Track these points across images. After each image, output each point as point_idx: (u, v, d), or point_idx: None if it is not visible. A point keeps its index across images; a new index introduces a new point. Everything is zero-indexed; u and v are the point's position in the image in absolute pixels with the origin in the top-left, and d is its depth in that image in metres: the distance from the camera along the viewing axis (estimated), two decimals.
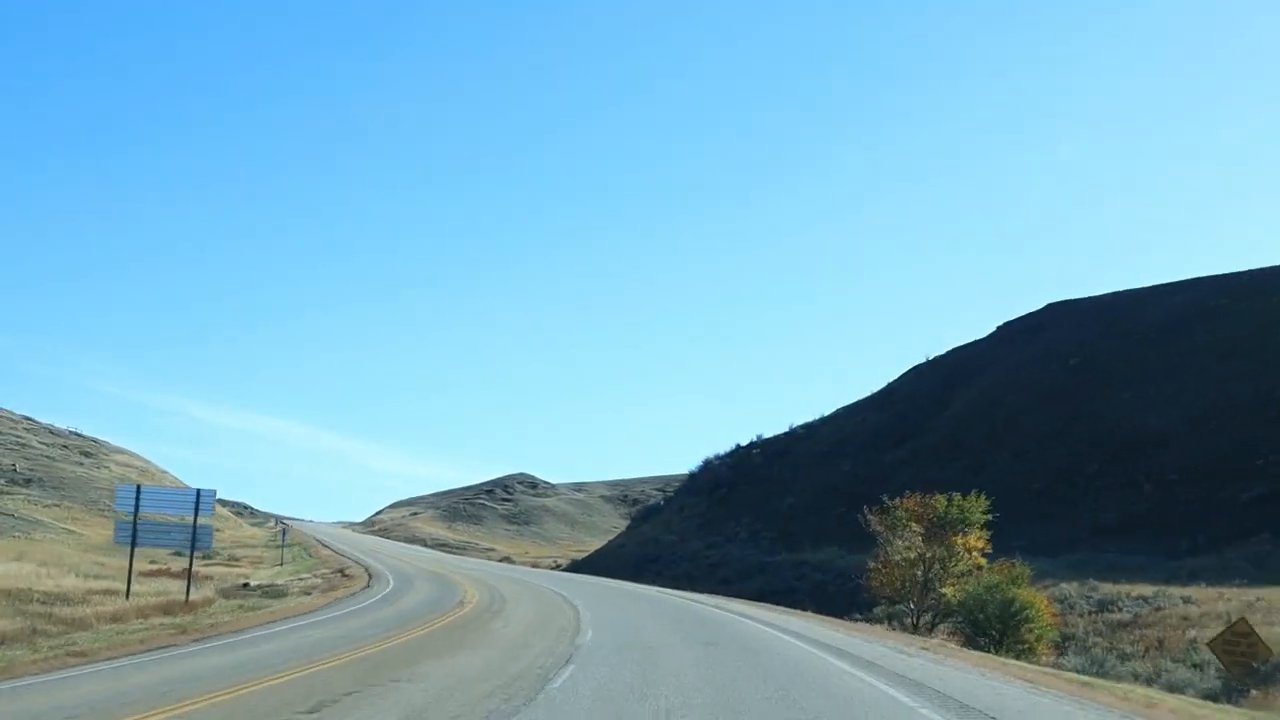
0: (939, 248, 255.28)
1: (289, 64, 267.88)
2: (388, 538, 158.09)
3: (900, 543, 30.72)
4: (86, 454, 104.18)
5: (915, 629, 29.56)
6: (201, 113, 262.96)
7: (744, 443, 71.91)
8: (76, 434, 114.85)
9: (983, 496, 30.27)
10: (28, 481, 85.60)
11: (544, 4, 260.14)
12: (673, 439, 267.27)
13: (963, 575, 29.48)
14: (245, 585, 44.40)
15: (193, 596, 28.73)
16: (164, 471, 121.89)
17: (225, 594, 35.30)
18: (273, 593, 39.78)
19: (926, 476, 41.57)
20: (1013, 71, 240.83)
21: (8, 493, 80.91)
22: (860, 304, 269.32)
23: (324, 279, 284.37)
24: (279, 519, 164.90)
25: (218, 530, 67.14)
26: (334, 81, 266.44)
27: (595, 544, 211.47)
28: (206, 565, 55.53)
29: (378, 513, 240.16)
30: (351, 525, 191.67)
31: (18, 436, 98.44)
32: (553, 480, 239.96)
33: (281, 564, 65.92)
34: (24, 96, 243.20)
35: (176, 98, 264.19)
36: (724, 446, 71.47)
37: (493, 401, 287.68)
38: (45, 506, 79.48)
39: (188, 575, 32.39)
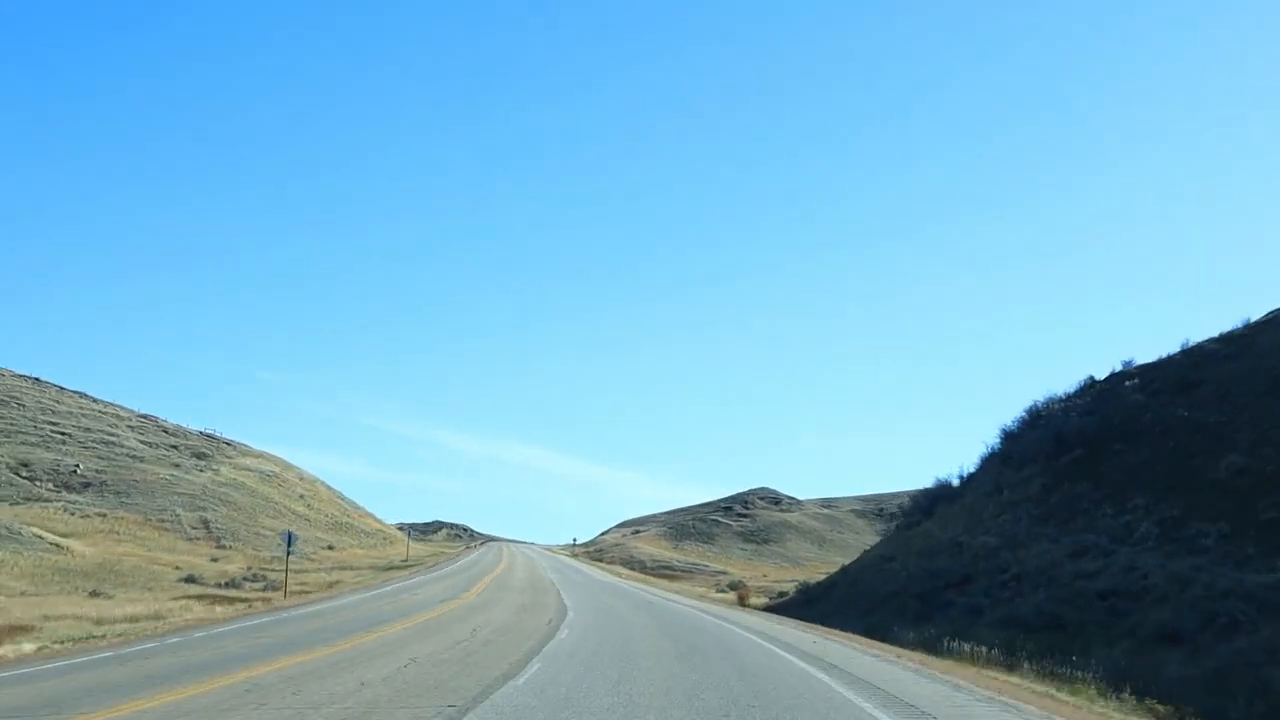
0: None
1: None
2: (600, 560, 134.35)
3: None
4: (200, 455, 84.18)
5: None
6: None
7: (1099, 375, 40.47)
8: (208, 434, 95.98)
9: None
10: (86, 486, 65.20)
11: None
12: (930, 449, 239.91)
13: None
14: None
15: None
16: (314, 478, 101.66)
17: None
18: None
19: None
20: None
21: (40, 499, 60.32)
22: None
23: (562, 309, 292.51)
24: (492, 541, 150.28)
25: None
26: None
27: (845, 563, 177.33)
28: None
29: (603, 533, 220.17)
30: (570, 548, 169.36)
31: (107, 433, 79.35)
32: (800, 496, 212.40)
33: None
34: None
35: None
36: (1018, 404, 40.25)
37: (734, 420, 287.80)
38: (82, 517, 58.20)
39: None
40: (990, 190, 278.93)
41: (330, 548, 69.51)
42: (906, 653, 19.88)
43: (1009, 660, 18.04)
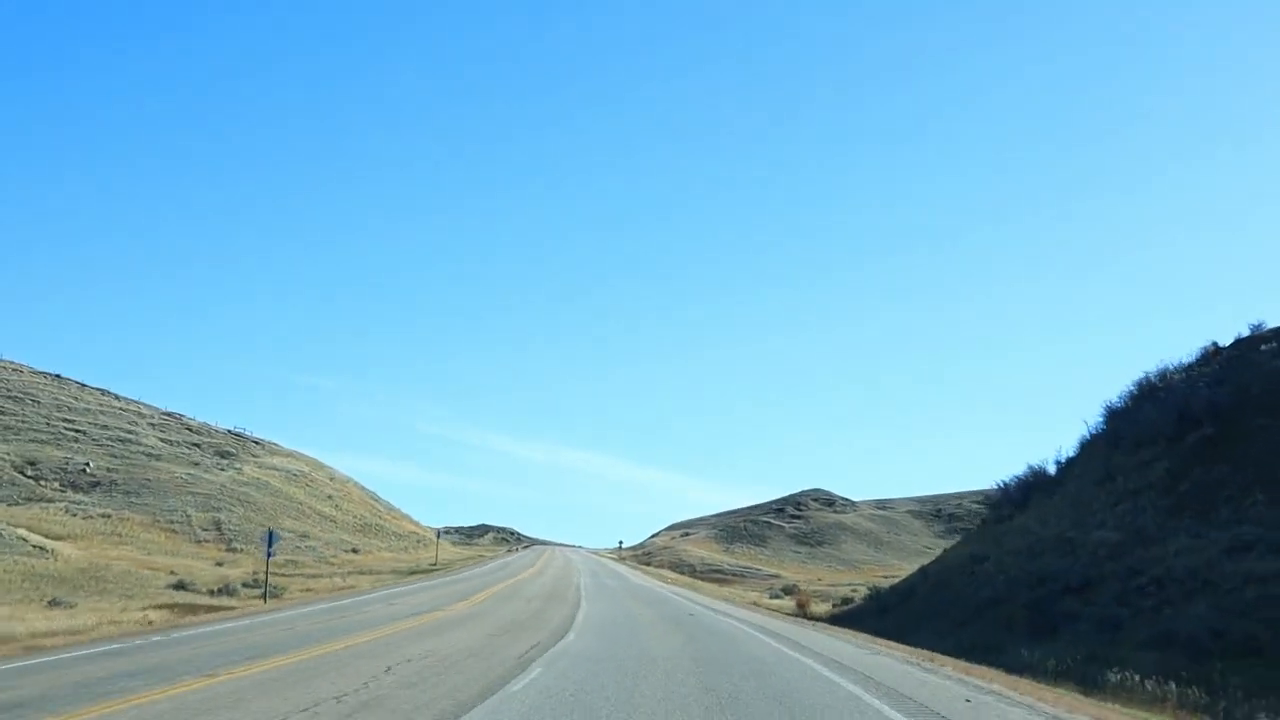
0: None
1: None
2: (648, 564, 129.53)
3: None
4: (224, 454, 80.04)
5: None
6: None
7: (1224, 341, 34.16)
8: (236, 433, 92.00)
9: None
10: (95, 485, 61.05)
11: None
12: (991, 450, 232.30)
13: None
14: None
15: None
16: (346, 478, 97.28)
17: None
18: None
19: None
20: None
21: (43, 499, 56.20)
22: None
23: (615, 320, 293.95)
24: (538, 545, 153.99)
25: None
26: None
27: (904, 567, 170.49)
28: None
29: (652, 536, 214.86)
30: (617, 551, 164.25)
31: (125, 430, 75.40)
32: (853, 497, 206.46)
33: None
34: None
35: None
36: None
37: (785, 422, 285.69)
38: (84, 518, 53.92)
39: None
40: (1001, 202, 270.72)
41: (354, 551, 64.75)
42: (1049, 691, 14.08)
43: (1212, 700, 12.28)
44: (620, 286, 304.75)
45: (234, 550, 53.99)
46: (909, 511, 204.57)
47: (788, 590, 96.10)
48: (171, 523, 56.49)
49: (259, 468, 79.52)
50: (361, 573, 52.26)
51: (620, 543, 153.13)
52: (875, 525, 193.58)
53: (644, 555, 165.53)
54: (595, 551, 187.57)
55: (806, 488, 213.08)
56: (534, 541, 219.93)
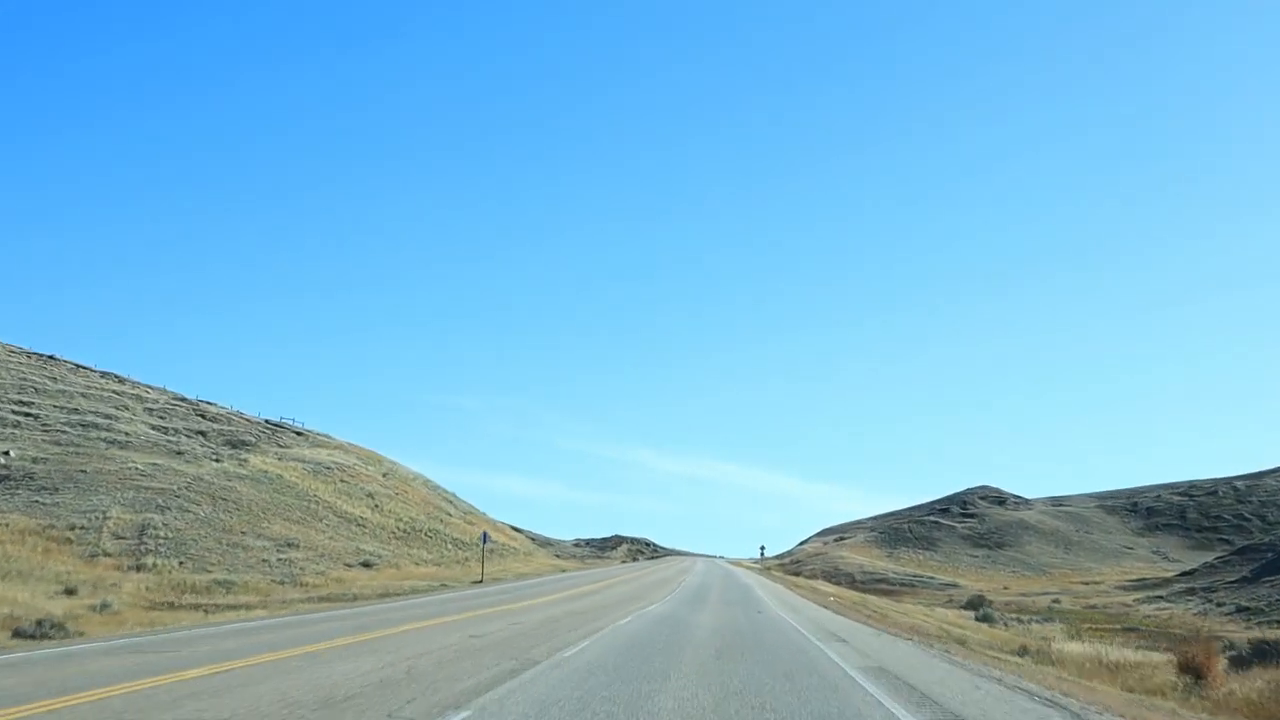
0: None
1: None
2: (798, 574, 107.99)
3: None
4: (236, 444, 62.12)
5: None
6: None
7: None
8: (275, 423, 74.31)
9: None
10: (2, 479, 43.23)
11: None
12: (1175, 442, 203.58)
13: None
14: None
15: None
16: (414, 476, 78.54)
17: None
18: None
19: None
20: None
21: None
22: None
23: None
24: (670, 555, 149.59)
25: None
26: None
27: (1104, 571, 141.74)
28: None
29: (801, 543, 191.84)
30: (759, 561, 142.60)
31: (102, 414, 58.02)
32: (1026, 494, 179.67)
33: None
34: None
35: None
36: None
37: (932, 424, 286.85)
38: None
39: None
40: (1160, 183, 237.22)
41: (369, 564, 45.12)
42: None
43: None
44: (749, 301, 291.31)
45: (141, 568, 34.98)
46: (1099, 507, 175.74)
47: (975, 604, 72.38)
48: (71, 528, 37.88)
49: (278, 459, 61.13)
50: (332, 600, 32.34)
51: (762, 549, 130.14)
52: (1061, 523, 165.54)
53: (792, 564, 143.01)
54: (736, 561, 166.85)
55: (972, 485, 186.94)
56: (669, 552, 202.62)
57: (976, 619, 44.18)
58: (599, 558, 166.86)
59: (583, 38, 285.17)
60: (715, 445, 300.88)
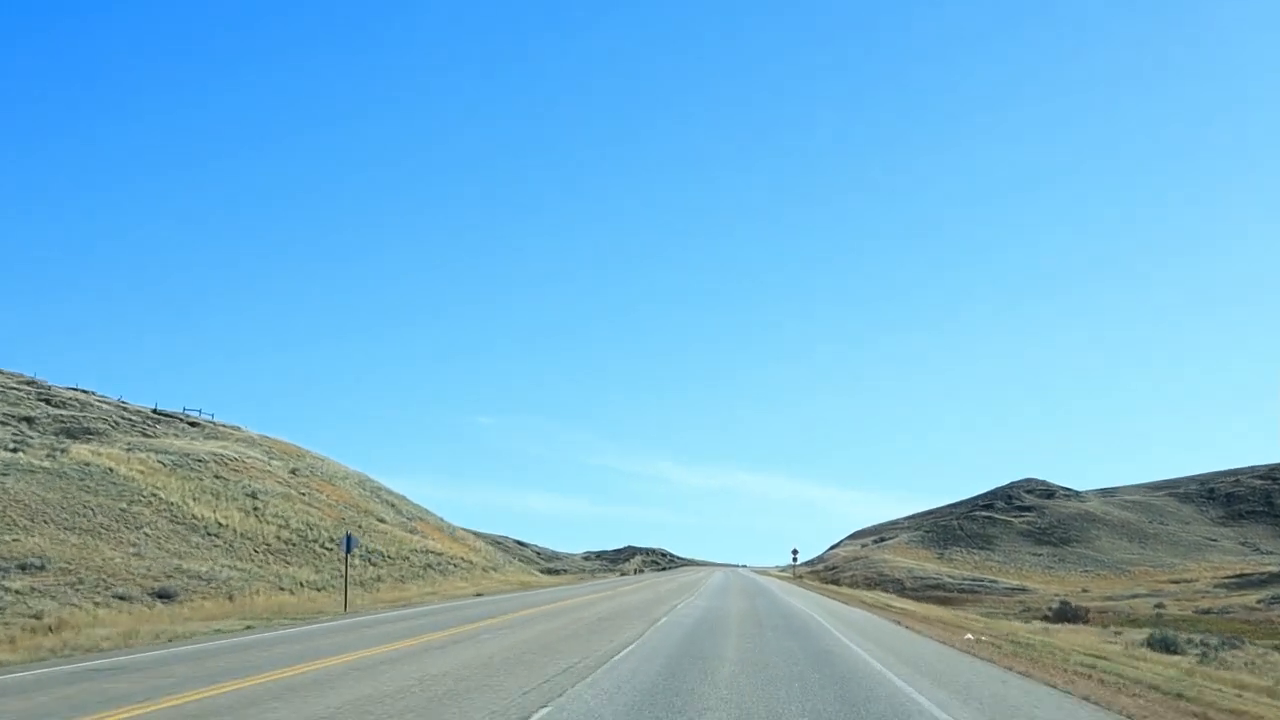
0: None
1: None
2: (836, 582, 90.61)
3: None
4: (77, 433, 45.30)
5: None
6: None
7: None
8: (162, 412, 57.68)
9: None
10: None
11: None
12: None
13: None
14: None
15: None
16: (348, 474, 61.73)
17: None
18: None
19: None
20: None
21: None
22: None
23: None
24: (687, 565, 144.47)
25: None
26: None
27: (1189, 567, 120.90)
28: None
29: (831, 547, 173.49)
30: (791, 569, 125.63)
31: None
32: (1075, 486, 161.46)
33: None
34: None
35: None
36: None
37: (954, 424, 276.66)
38: None
39: None
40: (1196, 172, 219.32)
41: (166, 596, 28.02)
42: None
43: None
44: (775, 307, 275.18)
45: None
46: (1171, 495, 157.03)
47: (1067, 614, 54.92)
48: None
49: (125, 449, 44.32)
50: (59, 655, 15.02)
51: (795, 555, 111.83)
52: (1131, 514, 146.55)
53: (826, 571, 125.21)
54: (762, 570, 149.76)
55: (1015, 478, 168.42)
56: (686, 562, 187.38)
57: (1148, 645, 26.69)
58: (610, 570, 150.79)
59: (613, 46, 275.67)
60: (737, 456, 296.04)
